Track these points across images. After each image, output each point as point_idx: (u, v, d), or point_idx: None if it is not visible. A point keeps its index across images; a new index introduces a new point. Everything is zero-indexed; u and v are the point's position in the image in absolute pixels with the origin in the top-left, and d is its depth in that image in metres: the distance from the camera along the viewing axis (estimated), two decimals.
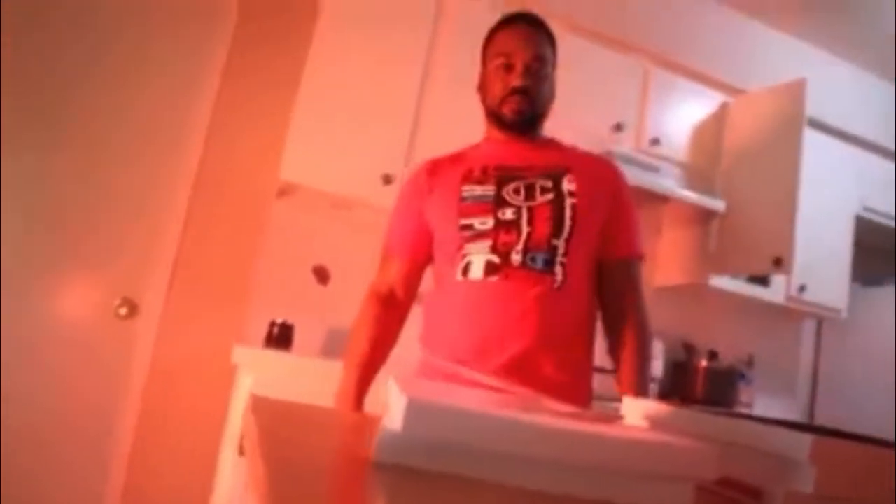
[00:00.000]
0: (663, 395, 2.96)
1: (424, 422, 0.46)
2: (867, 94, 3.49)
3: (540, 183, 1.47)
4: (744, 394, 3.07)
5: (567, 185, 1.47)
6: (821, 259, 3.14)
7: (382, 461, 0.47)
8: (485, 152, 1.55)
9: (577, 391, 1.41)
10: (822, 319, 3.53)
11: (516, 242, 1.40)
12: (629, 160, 2.65)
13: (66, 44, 2.45)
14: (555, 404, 0.63)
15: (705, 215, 2.90)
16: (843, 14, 3.09)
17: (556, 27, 2.77)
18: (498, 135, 1.57)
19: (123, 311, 2.43)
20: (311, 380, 1.96)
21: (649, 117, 2.90)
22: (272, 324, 2.36)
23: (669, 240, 3.18)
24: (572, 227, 1.42)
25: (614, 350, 1.51)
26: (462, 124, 2.52)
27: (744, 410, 3.04)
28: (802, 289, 3.12)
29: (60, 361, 2.33)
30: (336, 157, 2.36)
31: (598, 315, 1.54)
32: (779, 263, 2.68)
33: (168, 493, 2.39)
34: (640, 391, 1.45)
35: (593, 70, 2.79)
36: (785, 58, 3.25)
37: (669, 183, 2.82)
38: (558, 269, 1.41)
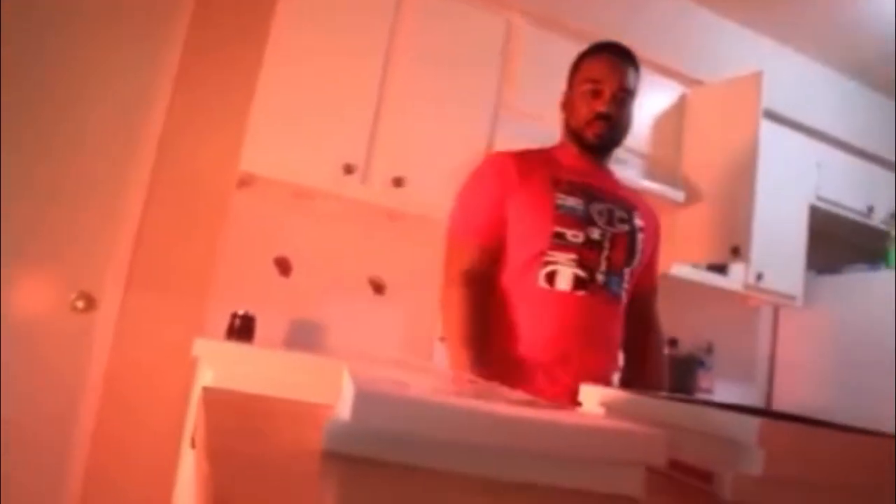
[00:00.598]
0: (624, 382, 2.99)
1: (374, 411, 0.46)
2: (822, 85, 3.56)
3: (618, 213, 1.62)
4: (703, 380, 3.13)
5: (638, 220, 1.66)
6: (777, 248, 3.21)
7: (331, 451, 0.46)
8: (567, 164, 1.66)
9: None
10: (778, 307, 3.61)
11: (599, 262, 1.55)
12: None
13: (14, 38, 2.38)
14: (509, 392, 0.63)
15: (666, 205, 2.94)
16: (799, 7, 3.14)
17: (512, 16, 2.79)
18: (575, 151, 1.69)
19: (80, 304, 2.37)
20: (274, 371, 1.95)
21: None
22: (234, 315, 2.33)
23: None
24: (639, 260, 1.65)
25: (637, 360, 1.76)
26: (424, 112, 2.53)
27: (704, 396, 3.10)
28: (760, 277, 3.18)
29: (15, 357, 2.28)
30: (297, 147, 2.34)
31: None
32: (737, 252, 2.73)
33: (129, 491, 2.35)
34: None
35: (555, 59, 2.80)
36: (742, 50, 3.30)
37: (630, 173, 2.85)
38: (623, 295, 1.62)
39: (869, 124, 3.68)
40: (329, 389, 1.44)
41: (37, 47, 2.40)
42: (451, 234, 1.64)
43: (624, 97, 1.64)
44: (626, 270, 1.61)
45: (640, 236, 1.64)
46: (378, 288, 2.73)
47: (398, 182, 2.43)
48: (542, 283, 1.52)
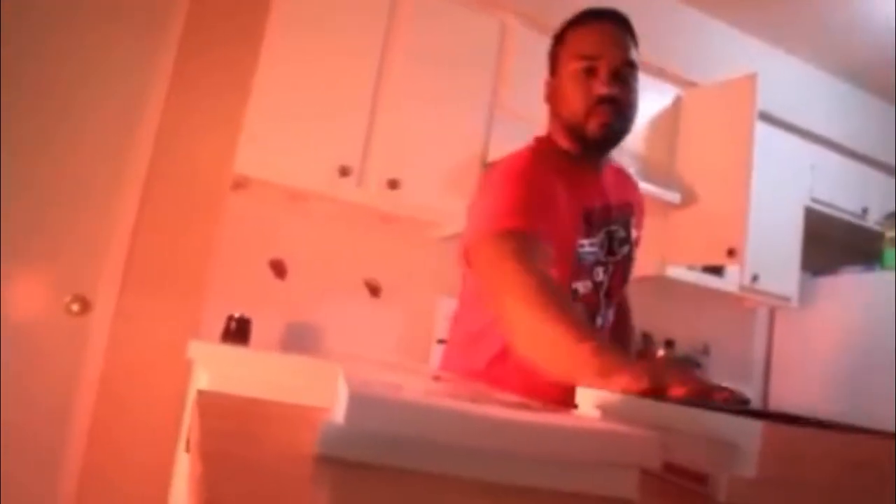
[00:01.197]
0: None
1: (368, 414, 0.46)
2: (816, 87, 3.58)
3: (620, 233, 1.37)
4: None
5: (633, 231, 1.44)
6: (772, 249, 3.22)
7: (325, 455, 0.46)
8: (583, 184, 1.33)
9: None
10: (774, 308, 3.61)
11: (599, 305, 1.32)
12: None
13: (10, 37, 2.37)
14: (504, 395, 0.63)
15: (661, 207, 2.94)
16: (793, 9, 3.15)
17: (506, 17, 2.72)
18: (577, 154, 1.34)
19: (75, 307, 2.37)
20: (269, 374, 1.94)
21: None
22: (229, 318, 2.33)
23: None
24: (629, 277, 1.44)
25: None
26: (420, 113, 2.53)
27: None
28: (755, 278, 3.19)
29: (10, 361, 2.27)
30: (292, 150, 2.34)
31: None
32: (732, 254, 2.73)
33: (125, 493, 2.35)
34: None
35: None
36: (737, 52, 3.31)
37: None
38: (613, 310, 1.42)
39: (863, 126, 3.70)
40: (324, 392, 1.43)
41: (30, 49, 2.39)
42: (490, 223, 1.18)
43: (628, 74, 1.31)
44: (620, 294, 1.44)
45: (634, 252, 1.45)
46: (374, 290, 2.73)
47: (393, 184, 2.43)
48: None
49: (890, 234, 3.42)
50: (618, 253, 1.36)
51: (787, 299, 3.36)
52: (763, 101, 2.91)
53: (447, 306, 2.55)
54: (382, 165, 2.44)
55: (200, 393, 0.67)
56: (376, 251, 2.75)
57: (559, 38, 1.38)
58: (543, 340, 0.98)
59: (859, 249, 3.66)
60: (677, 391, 0.80)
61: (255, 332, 2.38)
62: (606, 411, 0.78)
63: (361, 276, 2.73)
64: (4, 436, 2.22)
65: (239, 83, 2.46)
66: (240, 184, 2.48)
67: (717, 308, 3.44)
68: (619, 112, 1.29)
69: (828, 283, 3.45)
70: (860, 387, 3.12)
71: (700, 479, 0.62)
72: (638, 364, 0.89)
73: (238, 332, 2.31)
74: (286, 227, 2.63)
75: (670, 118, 3.11)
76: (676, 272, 3.02)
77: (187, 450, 0.62)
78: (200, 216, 2.53)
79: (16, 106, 2.35)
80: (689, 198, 2.94)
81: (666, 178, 3.03)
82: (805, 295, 3.39)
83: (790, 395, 3.51)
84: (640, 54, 1.38)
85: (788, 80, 3.45)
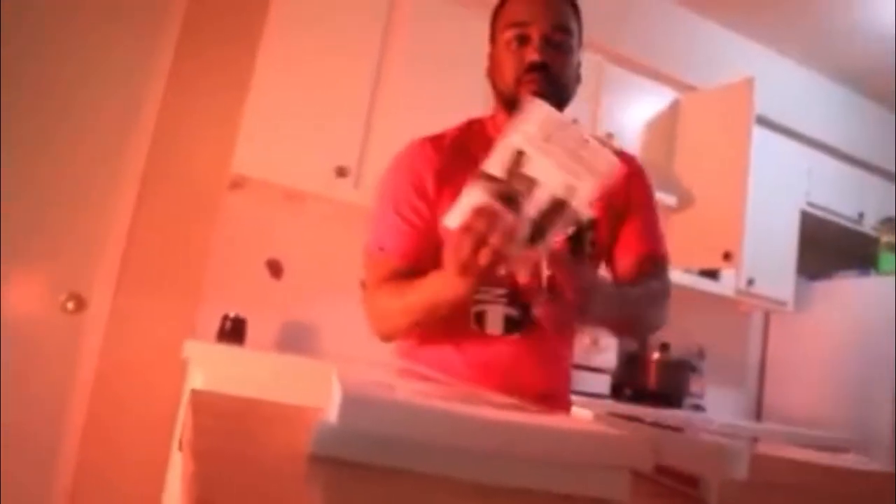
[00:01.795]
0: (616, 387, 3.00)
1: (361, 415, 0.46)
2: (813, 92, 3.59)
3: None
4: (695, 385, 3.14)
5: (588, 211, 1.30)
6: (768, 253, 3.22)
7: (319, 455, 0.46)
8: None
9: (565, 397, 1.37)
10: (769, 312, 3.62)
11: (537, 290, 1.18)
12: None
13: (9, 37, 2.37)
14: (496, 396, 0.63)
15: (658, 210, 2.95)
16: (791, 14, 3.16)
17: None
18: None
19: (70, 305, 2.36)
20: (264, 374, 1.94)
21: (603, 112, 2.93)
22: (224, 318, 2.33)
23: None
24: (591, 265, 1.27)
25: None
26: (417, 114, 2.53)
27: (695, 401, 3.11)
28: (751, 282, 3.20)
29: (5, 358, 2.26)
30: (289, 150, 2.34)
31: None
32: (728, 258, 2.74)
33: (119, 491, 2.34)
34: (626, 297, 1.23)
35: None
36: (735, 56, 3.32)
37: None
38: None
39: (860, 131, 3.71)
40: (319, 392, 1.43)
41: (29, 49, 2.39)
42: (367, 248, 1.29)
43: (562, 41, 1.24)
44: None
45: (589, 235, 1.27)
46: None
47: None
48: (472, 323, 1.22)
49: (886, 238, 3.43)
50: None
51: (782, 303, 3.37)
52: (760, 105, 2.92)
53: None
54: (380, 166, 2.40)
55: (194, 392, 0.67)
56: None
57: (496, 10, 1.34)
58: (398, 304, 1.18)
59: (855, 254, 3.68)
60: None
61: (251, 331, 2.38)
62: (598, 416, 0.78)
63: (357, 276, 2.72)
64: (0, 432, 2.22)
65: (236, 83, 2.46)
66: (237, 183, 2.48)
67: (713, 312, 3.45)
68: (550, 80, 1.21)
69: (823, 288, 3.45)
70: (856, 392, 3.13)
71: (691, 481, 0.62)
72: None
73: (233, 331, 2.31)
74: (283, 228, 2.62)
75: (668, 121, 3.12)
76: (672, 275, 3.02)
77: (180, 449, 0.62)
78: (197, 215, 2.53)
79: (14, 105, 2.35)
80: (685, 201, 2.94)
81: (663, 181, 3.03)
82: (800, 299, 3.40)
83: (785, 399, 3.51)
84: (579, 20, 1.30)
85: (786, 84, 3.45)
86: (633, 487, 0.52)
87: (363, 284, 1.31)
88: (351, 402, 0.45)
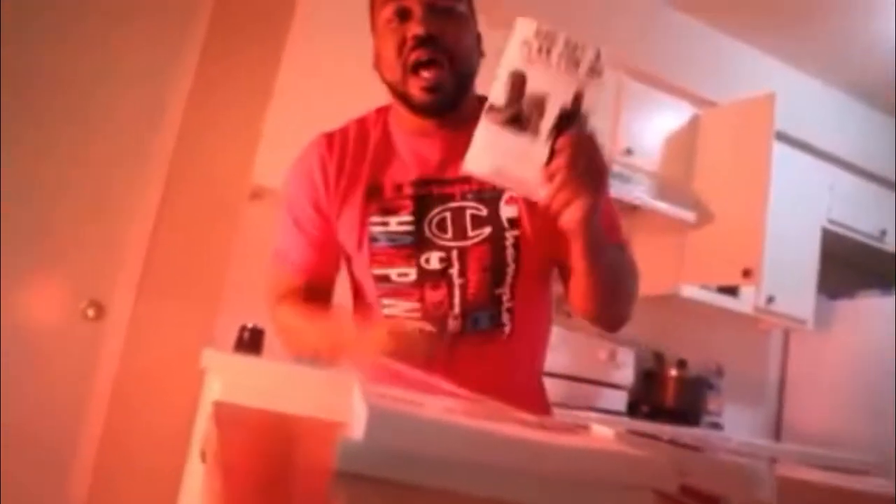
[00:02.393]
0: (633, 404, 2.98)
1: (387, 431, 0.46)
2: (833, 108, 3.56)
3: (471, 210, 1.09)
4: (712, 403, 3.11)
5: (506, 209, 1.09)
6: (789, 271, 3.19)
7: (344, 471, 0.47)
8: (395, 155, 1.16)
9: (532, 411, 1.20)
10: (789, 330, 3.58)
11: (449, 304, 1.08)
12: None
13: (34, 46, 2.41)
14: (520, 413, 0.63)
15: (677, 226, 2.93)
16: (811, 30, 3.15)
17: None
18: (410, 121, 1.14)
19: (91, 312, 2.39)
20: (281, 385, 1.94)
21: (622, 127, 2.93)
22: (242, 328, 2.33)
23: (640, 250, 3.20)
24: (517, 269, 1.10)
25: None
26: None
27: (713, 419, 3.08)
28: (770, 300, 3.17)
29: (24, 364, 2.29)
30: None
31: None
32: (748, 274, 2.72)
33: (134, 498, 2.35)
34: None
35: None
36: (754, 72, 3.31)
37: (641, 193, 2.85)
38: (506, 319, 1.11)
39: (881, 148, 3.67)
40: (338, 404, 1.43)
41: (48, 49, 2.43)
42: (272, 254, 1.26)
43: (449, 6, 1.07)
44: (503, 290, 1.10)
45: (510, 236, 1.09)
46: None
47: None
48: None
49: None
50: (471, 234, 1.09)
51: (802, 322, 3.33)
52: (781, 121, 2.90)
53: None
54: None
55: (217, 404, 0.68)
56: None
57: None
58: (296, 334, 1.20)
59: (876, 272, 3.63)
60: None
61: (269, 342, 2.38)
62: (619, 435, 0.78)
63: None
64: (17, 439, 2.24)
65: (261, 88, 2.47)
66: (257, 194, 2.50)
67: (732, 329, 3.42)
68: (443, 53, 1.05)
69: (844, 307, 3.41)
70: (876, 413, 3.08)
71: (714, 502, 0.62)
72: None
73: (251, 342, 2.32)
74: None
75: (687, 137, 3.11)
76: (690, 291, 3.01)
77: (203, 460, 0.62)
78: (218, 225, 2.55)
79: (35, 109, 2.39)
80: (704, 217, 2.92)
81: (682, 196, 3.02)
82: (821, 318, 3.36)
83: (804, 418, 3.47)
84: None
85: (807, 100, 3.44)
86: None
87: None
88: (377, 418, 0.46)
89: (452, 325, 1.09)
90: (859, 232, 3.51)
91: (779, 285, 3.13)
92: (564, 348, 2.84)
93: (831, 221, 3.42)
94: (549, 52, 0.84)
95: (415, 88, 1.06)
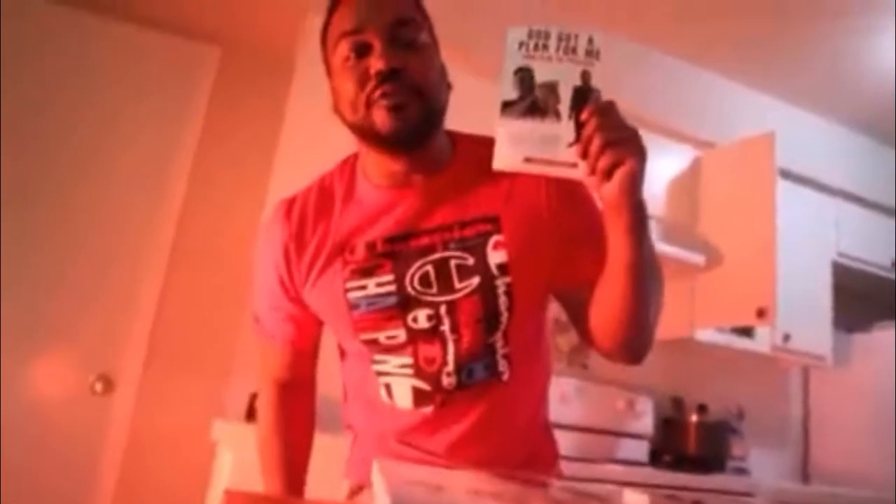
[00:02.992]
0: (655, 453, 2.90)
1: None
2: (834, 142, 3.57)
3: (455, 260, 1.03)
4: (736, 447, 3.02)
5: (493, 255, 1.02)
6: (802, 307, 3.14)
7: None
8: (365, 209, 1.07)
9: (538, 459, 1.14)
10: (808, 368, 3.52)
11: (443, 360, 1.03)
12: None
13: (39, 102, 2.45)
14: (550, 487, 0.60)
15: (686, 269, 2.91)
16: (806, 66, 3.17)
17: None
18: (379, 167, 1.06)
19: (99, 387, 2.36)
20: None
21: None
22: (253, 396, 2.30)
23: None
24: (510, 315, 1.04)
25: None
26: None
27: (738, 464, 2.99)
28: (787, 338, 3.11)
29: (34, 440, 2.26)
30: None
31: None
32: (762, 314, 2.68)
33: None
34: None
35: None
36: (752, 111, 3.32)
37: None
38: (503, 366, 1.06)
39: (885, 178, 3.66)
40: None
41: (51, 115, 2.46)
42: (252, 321, 1.23)
43: (412, 38, 1.00)
44: (496, 337, 1.05)
45: (501, 284, 1.02)
46: None
47: None
48: (383, 396, 1.08)
49: None
50: (458, 286, 1.02)
51: (821, 358, 3.26)
52: (782, 158, 2.90)
53: None
54: None
55: (228, 493, 0.65)
56: None
57: (323, 29, 1.08)
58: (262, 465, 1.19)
59: (889, 303, 3.58)
60: None
61: None
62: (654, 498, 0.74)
63: None
64: None
65: (265, 148, 2.45)
66: None
67: (750, 370, 3.35)
68: (409, 88, 0.97)
69: (862, 341, 3.36)
70: None
71: None
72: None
73: None
74: None
75: (690, 180, 3.11)
76: (705, 335, 2.96)
77: None
78: (226, 291, 2.54)
79: (39, 178, 2.41)
80: (713, 259, 2.90)
81: (689, 240, 3.00)
82: (839, 353, 3.30)
83: (831, 457, 3.38)
84: (424, 12, 1.07)
85: (807, 135, 3.44)
86: None
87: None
88: None
89: (447, 381, 1.03)
90: (870, 263, 3.47)
91: (794, 323, 3.08)
92: (581, 400, 2.78)
93: (841, 254, 3.38)
94: (545, 46, 0.87)
95: (379, 115, 0.97)
